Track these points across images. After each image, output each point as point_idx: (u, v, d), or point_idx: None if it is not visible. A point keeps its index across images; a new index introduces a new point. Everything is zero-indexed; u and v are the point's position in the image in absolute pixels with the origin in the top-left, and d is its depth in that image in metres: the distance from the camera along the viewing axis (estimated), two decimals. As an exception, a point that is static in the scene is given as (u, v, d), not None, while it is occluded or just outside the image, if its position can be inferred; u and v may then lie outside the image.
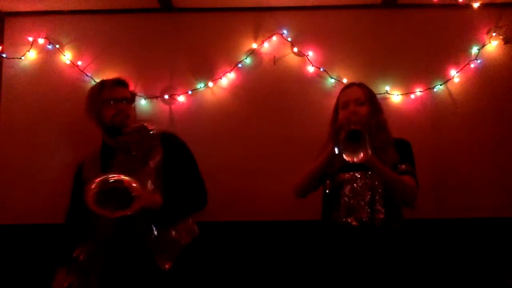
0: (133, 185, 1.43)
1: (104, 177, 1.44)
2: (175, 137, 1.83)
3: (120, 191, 1.42)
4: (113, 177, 1.44)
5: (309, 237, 2.33)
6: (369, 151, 1.46)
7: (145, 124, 1.62)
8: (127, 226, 1.59)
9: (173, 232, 1.66)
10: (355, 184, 1.71)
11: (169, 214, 1.63)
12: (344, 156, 1.48)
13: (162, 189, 1.64)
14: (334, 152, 1.51)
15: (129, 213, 1.42)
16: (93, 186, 1.42)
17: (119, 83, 1.77)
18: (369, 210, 1.67)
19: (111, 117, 1.71)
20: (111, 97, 1.72)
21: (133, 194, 1.42)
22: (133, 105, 1.81)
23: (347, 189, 1.72)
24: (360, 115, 1.70)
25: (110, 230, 1.62)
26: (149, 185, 1.64)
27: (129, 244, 1.63)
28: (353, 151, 1.49)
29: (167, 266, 1.60)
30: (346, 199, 1.71)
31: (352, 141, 1.50)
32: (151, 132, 1.61)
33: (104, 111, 1.72)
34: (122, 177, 1.44)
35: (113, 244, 1.64)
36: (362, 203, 1.68)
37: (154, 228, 1.61)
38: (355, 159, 1.48)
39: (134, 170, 1.54)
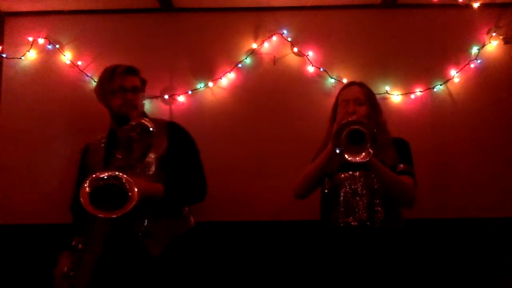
0: (128, 183, 1.44)
1: (96, 175, 1.45)
2: (181, 128, 1.85)
3: (114, 188, 1.43)
4: (107, 174, 1.45)
5: (309, 237, 2.33)
6: (371, 150, 1.46)
7: (143, 120, 1.62)
8: (125, 219, 1.57)
9: (165, 222, 1.67)
10: (354, 184, 1.71)
11: (167, 204, 1.64)
12: (346, 156, 1.48)
13: (164, 179, 1.65)
14: (334, 152, 1.51)
15: (124, 213, 1.42)
16: (85, 185, 1.42)
17: (129, 71, 1.76)
18: (368, 210, 1.67)
19: (118, 106, 1.71)
20: (120, 86, 1.71)
21: (128, 192, 1.43)
22: (141, 94, 1.79)
23: (346, 189, 1.72)
24: (359, 115, 1.70)
25: (107, 223, 1.64)
26: (151, 174, 1.66)
27: (123, 232, 1.64)
28: (355, 151, 1.49)
29: (156, 253, 1.61)
30: (345, 199, 1.71)
31: (354, 141, 1.49)
32: (150, 129, 1.61)
33: (112, 100, 1.73)
34: (117, 173, 1.45)
35: (109, 234, 1.65)
36: (361, 203, 1.68)
37: (145, 220, 1.63)
38: (357, 159, 1.48)
39: (132, 166, 1.56)
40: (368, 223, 1.66)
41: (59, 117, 2.69)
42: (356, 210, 1.68)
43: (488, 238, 2.49)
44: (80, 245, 1.72)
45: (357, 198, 1.69)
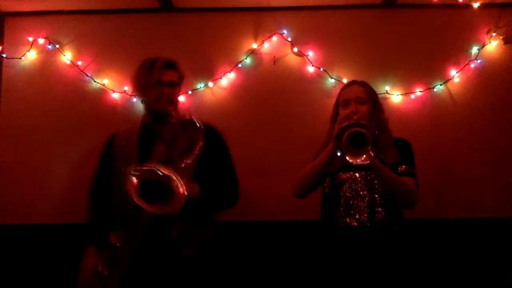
0: (179, 184, 1.35)
1: (151, 167, 1.36)
2: (217, 132, 1.80)
3: (160, 186, 1.36)
4: (162, 170, 1.36)
5: (309, 237, 2.33)
6: (372, 153, 1.45)
7: (193, 117, 1.57)
8: (162, 218, 1.56)
9: (196, 227, 1.64)
10: (354, 184, 1.71)
11: (201, 208, 1.60)
12: (347, 158, 1.48)
13: (197, 183, 1.61)
14: (336, 153, 1.50)
15: (170, 211, 1.39)
16: (133, 177, 1.33)
17: (169, 65, 1.71)
18: (369, 211, 1.66)
19: (153, 100, 1.67)
20: (158, 80, 1.66)
21: (177, 191, 1.34)
22: (178, 89, 1.75)
23: (346, 189, 1.71)
24: (361, 114, 1.69)
25: (147, 220, 1.57)
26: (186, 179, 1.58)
27: (159, 234, 1.60)
28: (356, 153, 1.48)
29: (190, 254, 1.60)
30: (346, 199, 1.70)
31: (355, 143, 1.48)
32: (198, 126, 1.56)
33: (148, 93, 1.68)
34: (172, 173, 1.36)
35: (146, 234, 1.60)
36: (362, 203, 1.68)
37: (180, 223, 1.59)
38: (358, 161, 1.47)
39: (172, 162, 1.50)
40: (368, 224, 1.65)
41: (59, 117, 2.69)
42: (357, 210, 1.67)
43: (488, 238, 2.49)
44: (118, 243, 1.62)
45: (358, 199, 1.68)
